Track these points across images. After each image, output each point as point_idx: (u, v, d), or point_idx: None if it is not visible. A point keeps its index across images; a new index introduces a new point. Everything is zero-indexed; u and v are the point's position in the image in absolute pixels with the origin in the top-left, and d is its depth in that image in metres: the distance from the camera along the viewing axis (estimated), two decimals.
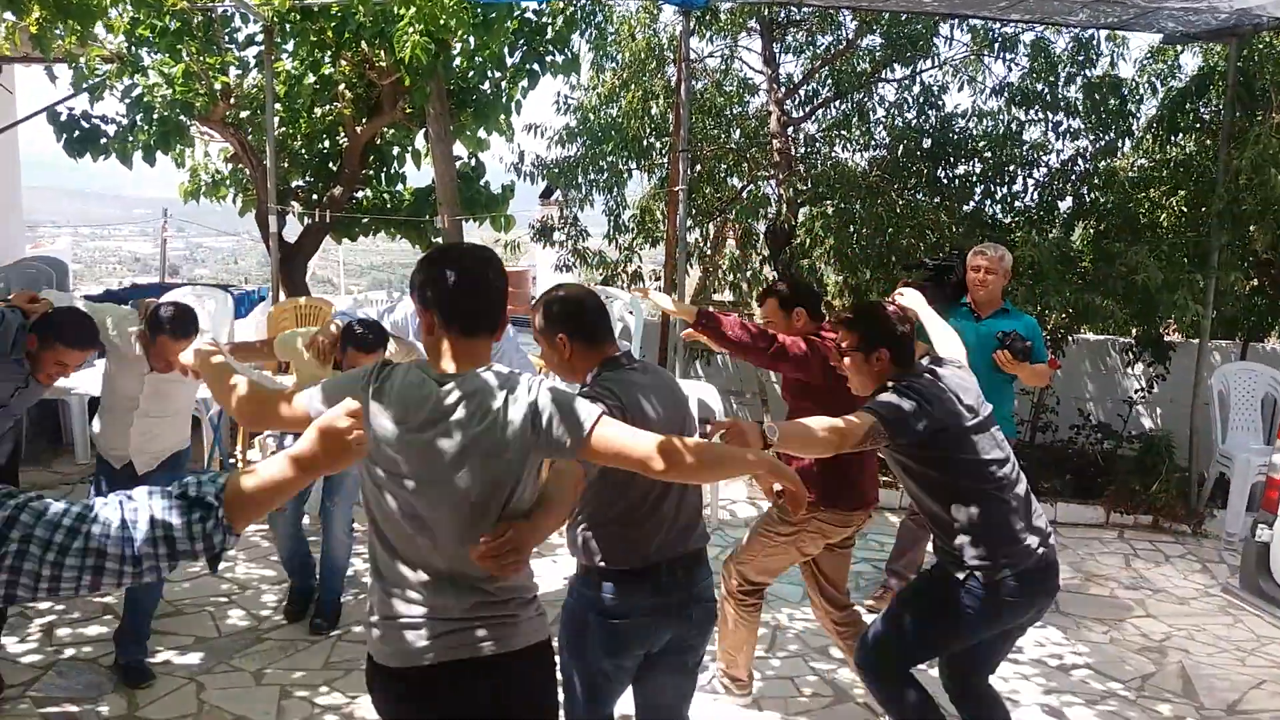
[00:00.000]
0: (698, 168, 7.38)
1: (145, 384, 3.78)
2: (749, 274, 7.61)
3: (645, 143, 7.38)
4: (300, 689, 3.81)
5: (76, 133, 7.07)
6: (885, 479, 4.77)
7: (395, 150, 7.96)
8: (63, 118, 7.08)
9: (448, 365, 2.00)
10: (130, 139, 6.94)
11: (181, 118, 6.83)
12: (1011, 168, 6.75)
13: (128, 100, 6.88)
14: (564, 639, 2.53)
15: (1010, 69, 7.14)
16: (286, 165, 7.46)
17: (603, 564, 2.47)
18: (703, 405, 6.41)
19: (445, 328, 1.99)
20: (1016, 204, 6.87)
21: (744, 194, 7.40)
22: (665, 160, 7.49)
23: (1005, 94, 6.91)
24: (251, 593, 4.69)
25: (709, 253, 7.81)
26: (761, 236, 7.34)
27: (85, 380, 5.71)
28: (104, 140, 7.08)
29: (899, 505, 6.24)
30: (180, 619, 4.36)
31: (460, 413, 1.93)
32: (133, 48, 6.62)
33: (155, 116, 6.78)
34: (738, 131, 7.66)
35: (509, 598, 2.00)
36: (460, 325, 1.99)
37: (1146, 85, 6.90)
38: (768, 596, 4.84)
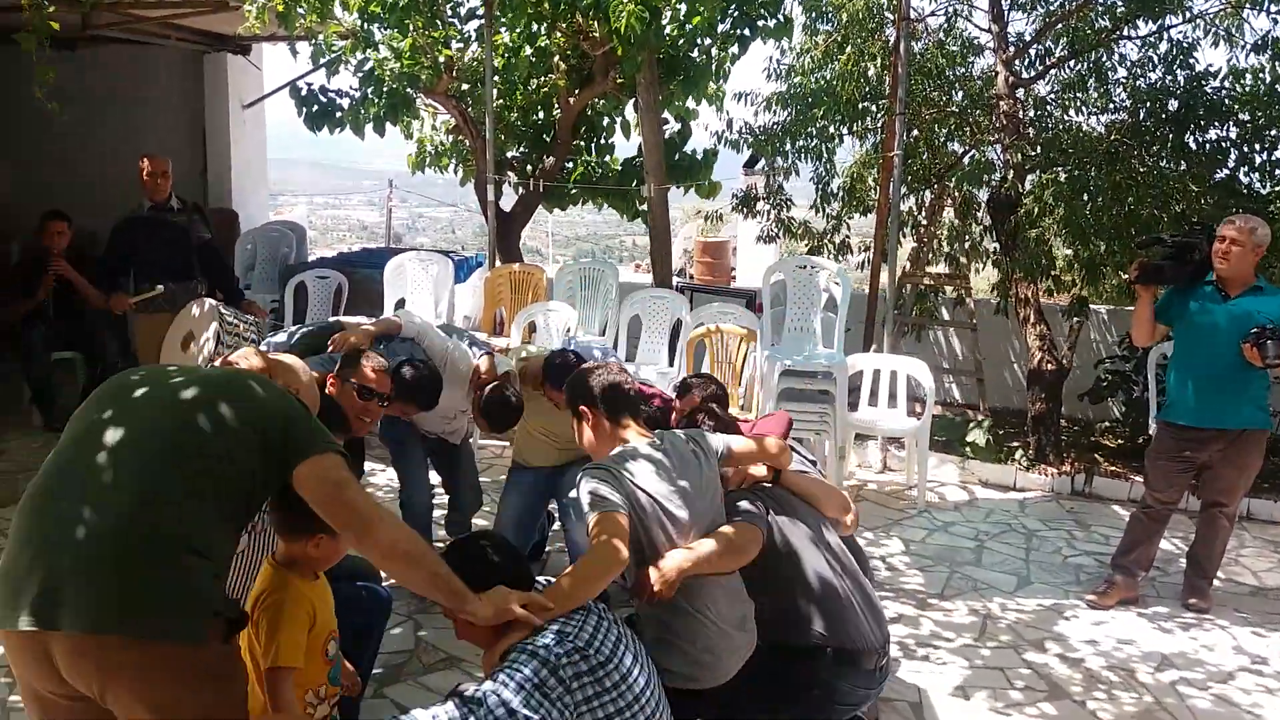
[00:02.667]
0: (914, 132, 7.04)
1: None
2: (968, 244, 7.21)
3: (859, 107, 7.10)
4: None
5: (315, 106, 7.58)
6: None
7: (605, 120, 8.08)
8: (303, 92, 7.61)
9: None
10: (362, 111, 7.37)
11: (409, 90, 7.18)
12: (1273, 132, 6.03)
13: (360, 74, 7.30)
14: None
15: (1276, 21, 6.36)
16: (503, 136, 7.72)
17: None
18: (913, 382, 6.17)
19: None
20: (1278, 172, 6.14)
21: (965, 160, 6.99)
22: (880, 125, 7.19)
23: (1270, 50, 6.16)
24: None
25: (924, 222, 7.45)
26: (983, 205, 6.92)
27: None
28: (339, 113, 7.56)
29: (1127, 498, 5.79)
30: None
31: None
32: (365, 23, 7.01)
33: (385, 90, 7.16)
34: (960, 93, 7.23)
35: None
36: None
37: None
38: (978, 584, 4.65)
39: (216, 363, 3.14)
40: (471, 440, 4.93)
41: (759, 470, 2.96)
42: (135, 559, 1.90)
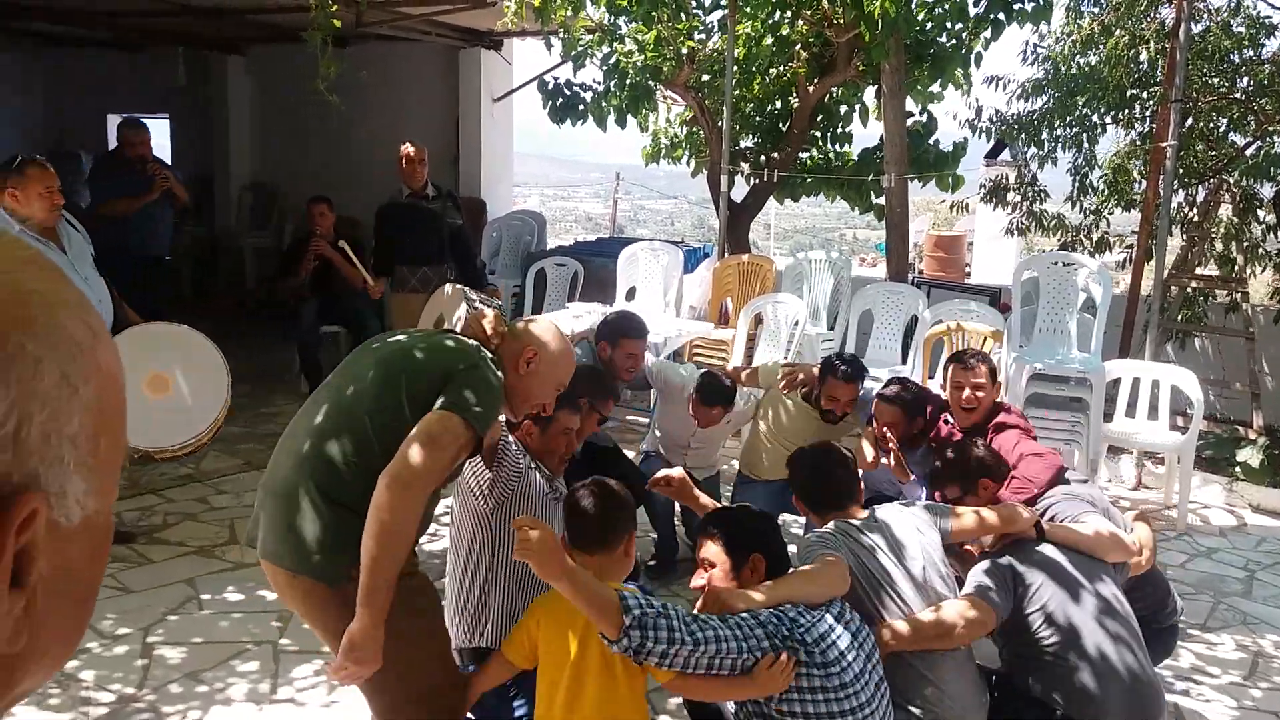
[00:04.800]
0: (1189, 121, 6.44)
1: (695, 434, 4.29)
2: (1246, 245, 6.52)
3: (1127, 94, 6.57)
4: None
5: (560, 99, 7.86)
6: None
7: (842, 109, 7.89)
8: (549, 86, 7.90)
9: None
10: (604, 104, 7.56)
11: (650, 82, 7.30)
12: None
13: (604, 67, 7.49)
14: None
15: None
16: (737, 127, 7.70)
17: None
18: (1176, 394, 5.65)
19: None
20: None
21: (1249, 152, 6.33)
22: (1150, 113, 6.63)
23: None
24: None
25: (1195, 219, 6.81)
26: (1266, 202, 6.24)
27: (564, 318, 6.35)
28: (581, 106, 7.79)
29: None
30: None
31: None
32: (612, 17, 7.19)
33: (627, 82, 7.31)
34: (1245, 79, 6.56)
35: None
36: None
37: None
38: (1247, 618, 4.20)
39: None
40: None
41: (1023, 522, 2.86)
42: (294, 501, 2.13)
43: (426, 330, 2.62)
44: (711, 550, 2.40)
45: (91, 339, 0.49)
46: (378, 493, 1.99)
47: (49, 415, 0.45)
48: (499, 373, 2.30)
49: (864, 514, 2.74)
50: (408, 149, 6.06)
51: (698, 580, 2.39)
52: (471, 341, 2.37)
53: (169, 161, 7.55)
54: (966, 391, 3.73)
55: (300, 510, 2.11)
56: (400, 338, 2.40)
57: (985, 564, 2.77)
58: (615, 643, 1.96)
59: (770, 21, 6.97)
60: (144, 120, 6.36)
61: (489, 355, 2.34)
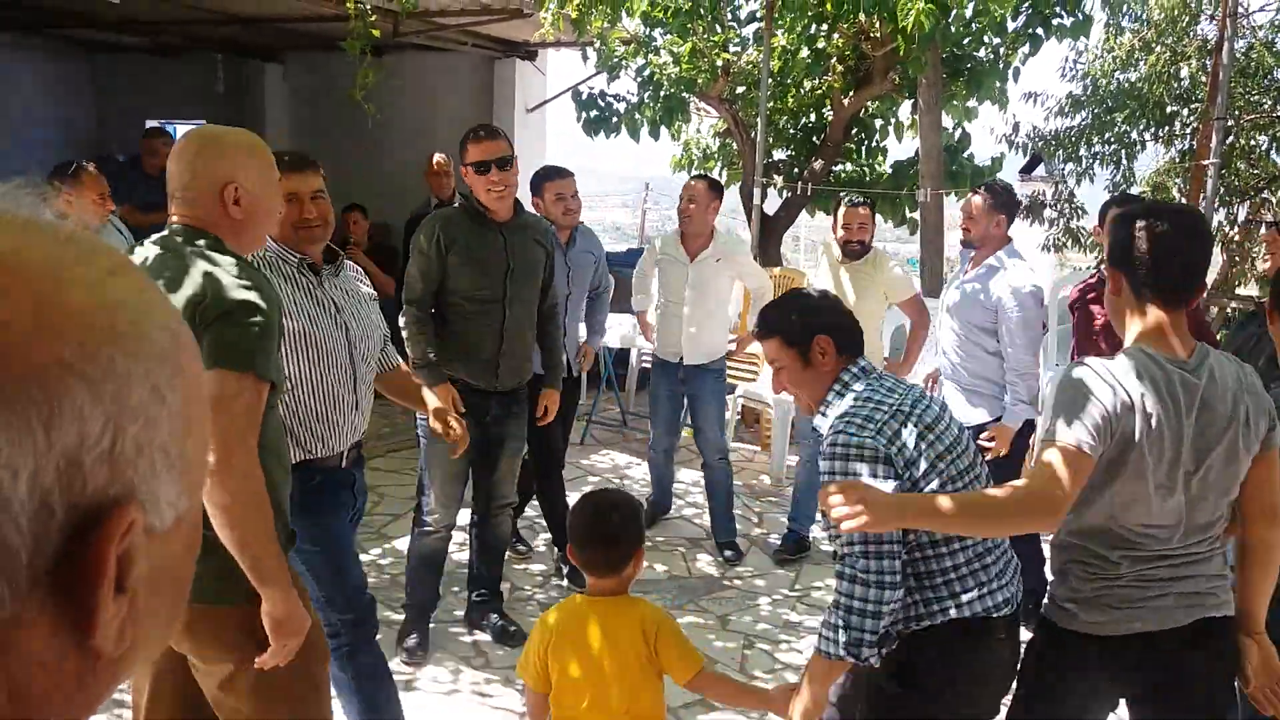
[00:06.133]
0: (1230, 139, 6.37)
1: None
2: None
3: (1167, 110, 6.52)
4: (762, 641, 3.91)
5: (594, 111, 7.89)
6: None
7: (878, 123, 7.88)
8: (583, 96, 7.93)
9: (1176, 345, 1.94)
10: (638, 115, 7.59)
11: (684, 94, 7.32)
12: None
13: (639, 79, 7.52)
14: None
15: None
16: (771, 139, 7.70)
17: None
18: None
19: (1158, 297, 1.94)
20: None
21: None
22: (1190, 130, 6.56)
23: None
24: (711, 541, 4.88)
25: (1237, 238, 6.73)
26: None
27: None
28: (615, 118, 7.82)
29: None
30: (655, 553, 4.70)
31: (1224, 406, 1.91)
32: (647, 29, 7.22)
33: (662, 94, 7.34)
34: None
35: None
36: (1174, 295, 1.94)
37: None
38: None
39: None
40: None
41: None
42: None
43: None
44: (773, 349, 2.23)
45: (175, 345, 0.50)
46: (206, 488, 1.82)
47: (141, 427, 0.46)
48: (213, 254, 1.89)
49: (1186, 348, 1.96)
50: (437, 158, 6.12)
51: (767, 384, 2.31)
52: (153, 246, 1.96)
53: None
54: None
55: None
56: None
57: None
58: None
59: (806, 34, 6.97)
60: (177, 126, 6.43)
61: (178, 238, 1.92)
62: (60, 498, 0.43)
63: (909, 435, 2.03)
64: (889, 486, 1.95)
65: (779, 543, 4.81)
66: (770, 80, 7.12)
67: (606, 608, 2.20)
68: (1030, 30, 6.33)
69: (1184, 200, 6.36)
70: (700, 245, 4.57)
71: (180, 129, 10.48)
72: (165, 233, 1.97)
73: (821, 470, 2.07)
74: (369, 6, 5.65)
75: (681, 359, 4.63)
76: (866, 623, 1.94)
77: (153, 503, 0.47)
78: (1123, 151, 6.67)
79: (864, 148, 7.94)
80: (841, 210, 4.54)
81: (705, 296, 4.58)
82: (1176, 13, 6.35)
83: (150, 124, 7.93)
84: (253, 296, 1.85)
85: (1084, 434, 1.84)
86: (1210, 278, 6.31)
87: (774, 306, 2.34)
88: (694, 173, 8.52)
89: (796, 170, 7.90)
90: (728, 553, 4.68)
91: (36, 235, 0.47)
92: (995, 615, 2.05)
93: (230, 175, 1.93)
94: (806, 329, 2.17)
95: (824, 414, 2.18)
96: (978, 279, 3.96)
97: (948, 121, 7.01)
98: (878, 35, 6.46)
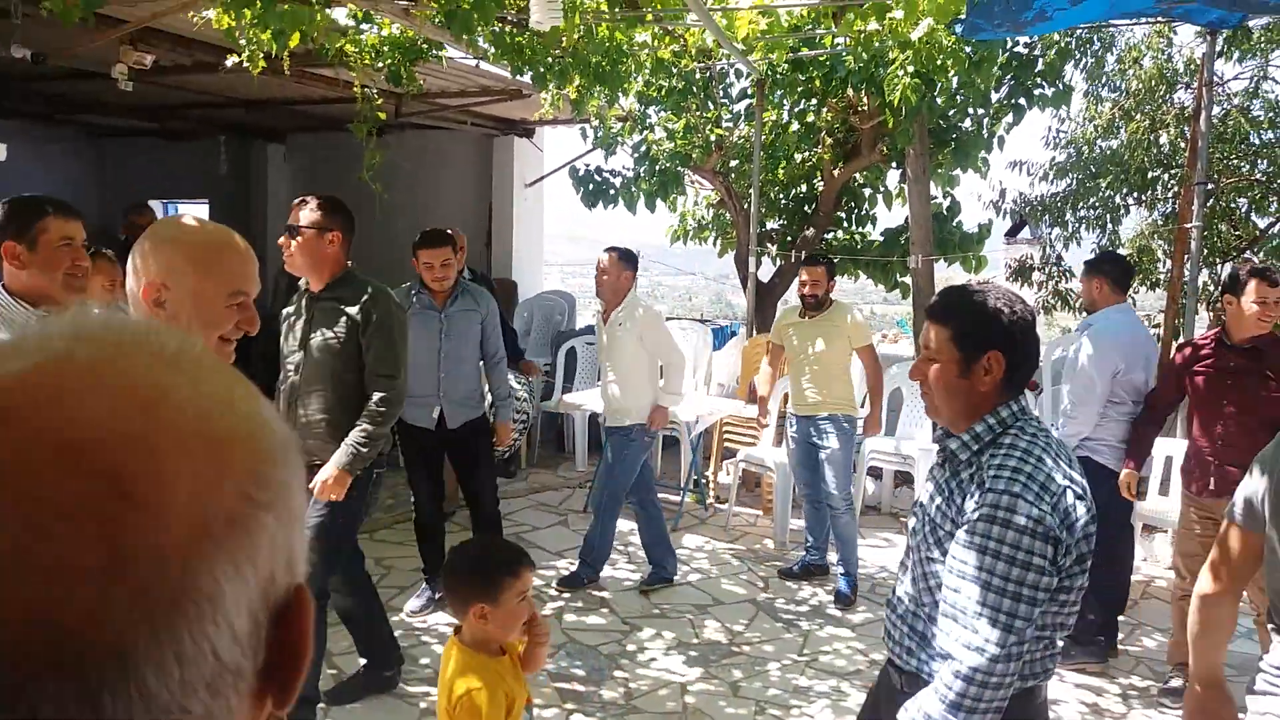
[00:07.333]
0: (1211, 202, 6.56)
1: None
2: (1274, 325, 6.55)
3: (1148, 175, 6.72)
4: (773, 707, 3.93)
5: (591, 185, 8.10)
6: None
7: (867, 192, 8.09)
8: (580, 172, 8.15)
9: None
10: (634, 189, 7.79)
11: (679, 168, 7.53)
12: None
13: (635, 154, 7.74)
14: None
15: None
16: (763, 209, 7.89)
17: None
18: None
19: None
20: None
21: (1271, 231, 6.43)
22: (1172, 194, 6.76)
23: None
24: (724, 609, 4.93)
25: (1220, 298, 6.87)
26: None
27: (590, 399, 6.45)
28: (612, 191, 8.03)
29: None
30: (663, 620, 4.72)
31: None
32: (642, 107, 7.45)
33: (657, 168, 7.55)
34: (1264, 161, 6.69)
35: None
36: None
37: None
38: None
39: None
40: None
41: None
42: None
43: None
44: (937, 338, 1.87)
45: (281, 427, 0.52)
46: None
47: (297, 517, 0.50)
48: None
49: None
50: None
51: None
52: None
53: None
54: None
55: None
56: None
57: None
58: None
59: (796, 109, 7.20)
60: (177, 205, 6.57)
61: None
62: (263, 610, 0.47)
63: (1079, 515, 1.75)
64: (1048, 582, 1.71)
65: (796, 568, 5.22)
66: (762, 153, 7.33)
67: (451, 651, 2.25)
68: (1013, 101, 6.56)
69: (1168, 261, 6.52)
70: (611, 310, 5.00)
71: (181, 208, 10.70)
72: None
73: (975, 527, 1.73)
74: (375, 90, 5.85)
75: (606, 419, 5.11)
76: None
77: (299, 566, 0.51)
78: (1107, 215, 6.86)
79: (854, 216, 8.13)
80: (802, 269, 5.08)
81: (616, 359, 4.99)
82: (1154, 83, 6.59)
83: (135, 202, 8.10)
84: None
85: None
86: (1195, 335, 6.43)
87: (962, 293, 1.94)
88: (677, 241, 8.75)
89: (789, 239, 8.08)
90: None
91: (175, 372, 0.47)
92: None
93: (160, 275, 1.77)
94: (985, 337, 1.83)
95: (968, 444, 1.85)
96: None
97: (935, 190, 7.21)
98: (865, 109, 6.67)
